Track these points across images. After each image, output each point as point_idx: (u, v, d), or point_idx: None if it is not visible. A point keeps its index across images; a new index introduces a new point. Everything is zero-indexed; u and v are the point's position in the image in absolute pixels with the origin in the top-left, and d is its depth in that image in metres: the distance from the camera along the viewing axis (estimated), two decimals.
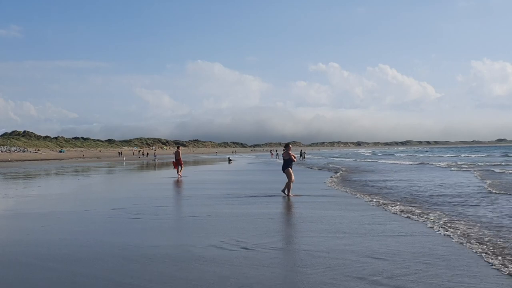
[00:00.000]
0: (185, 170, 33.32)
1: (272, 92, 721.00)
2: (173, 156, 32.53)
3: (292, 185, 17.69)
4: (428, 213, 12.60)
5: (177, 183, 26.17)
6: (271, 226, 11.14)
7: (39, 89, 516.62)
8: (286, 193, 17.52)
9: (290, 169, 17.79)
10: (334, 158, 75.04)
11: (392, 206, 13.99)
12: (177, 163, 30.80)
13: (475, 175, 28.11)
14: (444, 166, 40.40)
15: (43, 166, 56.95)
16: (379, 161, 57.62)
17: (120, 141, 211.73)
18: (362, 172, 34.20)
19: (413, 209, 13.44)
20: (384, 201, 15.31)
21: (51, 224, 12.13)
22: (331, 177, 28.78)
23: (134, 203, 16.04)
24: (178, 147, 32.93)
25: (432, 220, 11.30)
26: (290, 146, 18.54)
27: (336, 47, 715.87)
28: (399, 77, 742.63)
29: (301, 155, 71.47)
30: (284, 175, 18.00)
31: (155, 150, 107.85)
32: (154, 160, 75.93)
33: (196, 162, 69.30)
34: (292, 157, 18.02)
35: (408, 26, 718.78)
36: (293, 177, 17.78)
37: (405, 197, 16.62)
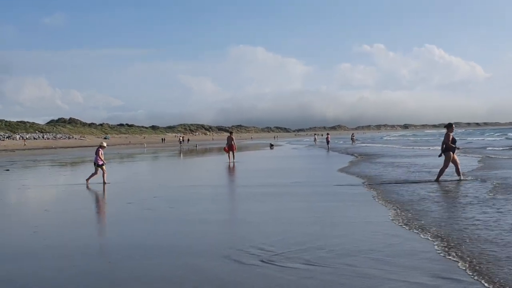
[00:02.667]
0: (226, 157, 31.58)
1: (315, 75, 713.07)
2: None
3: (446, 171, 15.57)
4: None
5: (230, 169, 25.28)
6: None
7: (85, 77, 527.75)
8: (458, 176, 15.41)
9: (451, 153, 15.49)
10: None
11: None
12: (229, 149, 30.28)
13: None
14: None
15: (89, 153, 56.54)
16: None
17: (164, 127, 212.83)
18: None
19: None
20: None
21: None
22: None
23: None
24: (230, 133, 32.44)
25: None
26: (453, 126, 15.89)
27: (381, 28, 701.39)
28: (446, 57, 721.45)
29: (352, 140, 68.17)
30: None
31: (181, 137, 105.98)
32: (180, 147, 74.86)
33: (238, 148, 67.36)
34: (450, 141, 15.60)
35: (455, 4, 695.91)
36: (457, 161, 15.61)
37: None
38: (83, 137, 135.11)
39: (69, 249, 7.88)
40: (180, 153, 51.01)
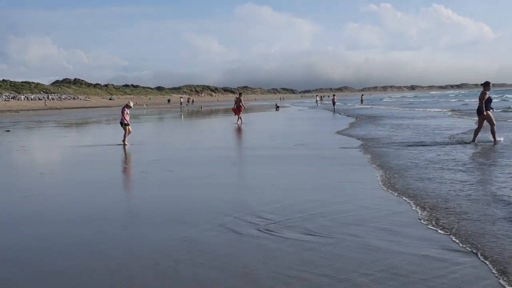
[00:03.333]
0: (233, 118, 31.19)
1: (322, 36, 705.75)
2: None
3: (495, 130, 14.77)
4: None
5: (236, 130, 25.17)
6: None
7: (90, 36, 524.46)
8: (493, 140, 14.58)
9: (487, 112, 14.73)
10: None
11: None
12: (237, 110, 30.20)
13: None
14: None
15: (94, 114, 56.11)
16: None
17: (169, 88, 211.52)
18: None
19: None
20: None
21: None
22: None
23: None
24: (239, 94, 32.09)
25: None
26: (490, 84, 14.99)
27: None
28: (454, 17, 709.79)
29: (361, 101, 67.86)
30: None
31: (181, 98, 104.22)
32: (180, 108, 73.91)
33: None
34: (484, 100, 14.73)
35: None
36: (494, 121, 14.83)
37: None
38: (88, 98, 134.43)
39: (57, 215, 7.46)
40: (181, 115, 50.21)
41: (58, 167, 13.57)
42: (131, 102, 19.22)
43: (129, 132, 18.00)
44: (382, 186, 8.77)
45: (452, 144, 14.76)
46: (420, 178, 9.31)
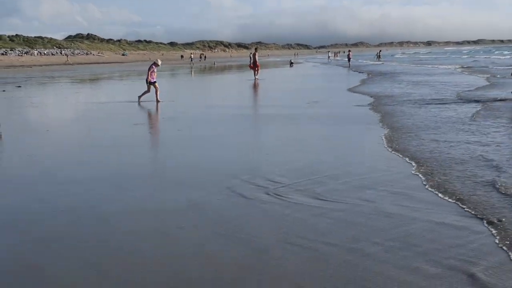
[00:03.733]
0: (245, 74, 30.83)
1: None
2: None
3: None
4: None
5: (250, 87, 24.93)
6: None
7: None
8: None
9: None
10: None
11: None
12: (254, 66, 29.74)
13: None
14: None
15: (106, 69, 55.75)
16: None
17: (182, 44, 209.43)
18: None
19: None
20: None
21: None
22: None
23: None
24: (255, 49, 31.38)
25: None
26: None
27: None
28: None
29: (378, 56, 66.66)
30: None
31: (191, 54, 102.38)
32: (191, 65, 72.57)
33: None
34: None
35: None
36: None
37: None
38: (101, 53, 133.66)
39: (59, 177, 7.28)
40: (192, 71, 49.49)
41: (65, 124, 13.39)
42: (159, 60, 18.54)
43: (157, 89, 17.37)
44: (391, 147, 8.44)
45: (464, 101, 14.36)
46: (435, 139, 8.98)
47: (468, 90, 17.68)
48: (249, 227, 4.98)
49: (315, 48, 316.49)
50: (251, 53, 30.67)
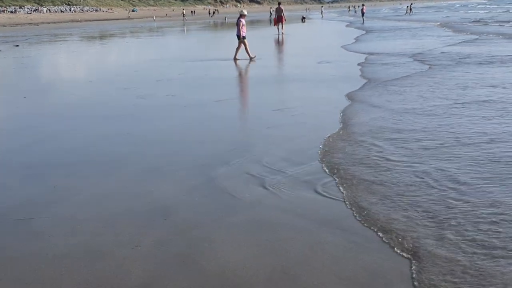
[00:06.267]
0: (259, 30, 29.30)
1: None
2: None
3: None
4: None
5: (279, 41, 24.54)
6: None
7: None
8: None
9: None
10: None
11: None
12: (278, 20, 29.19)
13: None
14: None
15: (114, 26, 54.10)
16: None
17: None
18: None
19: None
20: None
21: None
22: None
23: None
24: (279, 3, 30.42)
25: None
26: None
27: None
28: None
29: (409, 9, 63.96)
30: None
31: (183, 10, 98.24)
32: (183, 22, 69.57)
33: (271, 21, 63.28)
34: None
35: None
36: None
37: None
38: (111, 9, 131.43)
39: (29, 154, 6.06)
40: (184, 29, 46.89)
41: (50, 89, 12.11)
42: (244, 10, 16.78)
43: (246, 45, 15.76)
44: None
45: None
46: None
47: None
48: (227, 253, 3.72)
49: (327, 2, 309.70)
50: (271, 8, 29.60)
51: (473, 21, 32.73)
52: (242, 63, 15.00)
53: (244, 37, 15.68)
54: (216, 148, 6.04)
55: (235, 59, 15.63)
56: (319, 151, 5.63)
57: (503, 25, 26.63)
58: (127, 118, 7.98)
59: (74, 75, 14.74)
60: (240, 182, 4.80)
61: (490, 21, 31.77)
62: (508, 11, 47.43)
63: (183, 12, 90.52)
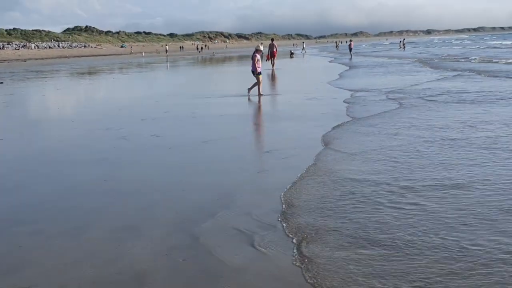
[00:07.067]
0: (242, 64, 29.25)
1: None
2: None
3: None
4: None
5: (272, 76, 24.94)
6: None
7: None
8: None
9: None
10: None
11: None
12: (271, 55, 30.32)
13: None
14: None
15: (102, 62, 53.85)
16: None
17: (182, 35, 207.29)
18: None
19: None
20: None
21: None
22: None
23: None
24: (272, 40, 31.36)
25: None
26: None
27: None
28: None
29: (403, 45, 65.71)
30: None
31: (166, 45, 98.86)
32: (166, 57, 69.95)
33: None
34: None
35: None
36: None
37: None
38: (100, 45, 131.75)
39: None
40: (167, 66, 46.68)
41: (28, 129, 11.55)
42: (261, 46, 16.45)
43: (260, 82, 15.38)
44: None
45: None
46: None
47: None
48: None
49: (315, 38, 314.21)
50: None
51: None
52: (236, 100, 14.64)
53: (260, 73, 15.37)
54: (201, 198, 5.50)
55: (259, 94, 15.24)
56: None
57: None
58: (105, 163, 7.41)
59: (56, 114, 14.24)
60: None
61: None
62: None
63: (166, 48, 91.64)
